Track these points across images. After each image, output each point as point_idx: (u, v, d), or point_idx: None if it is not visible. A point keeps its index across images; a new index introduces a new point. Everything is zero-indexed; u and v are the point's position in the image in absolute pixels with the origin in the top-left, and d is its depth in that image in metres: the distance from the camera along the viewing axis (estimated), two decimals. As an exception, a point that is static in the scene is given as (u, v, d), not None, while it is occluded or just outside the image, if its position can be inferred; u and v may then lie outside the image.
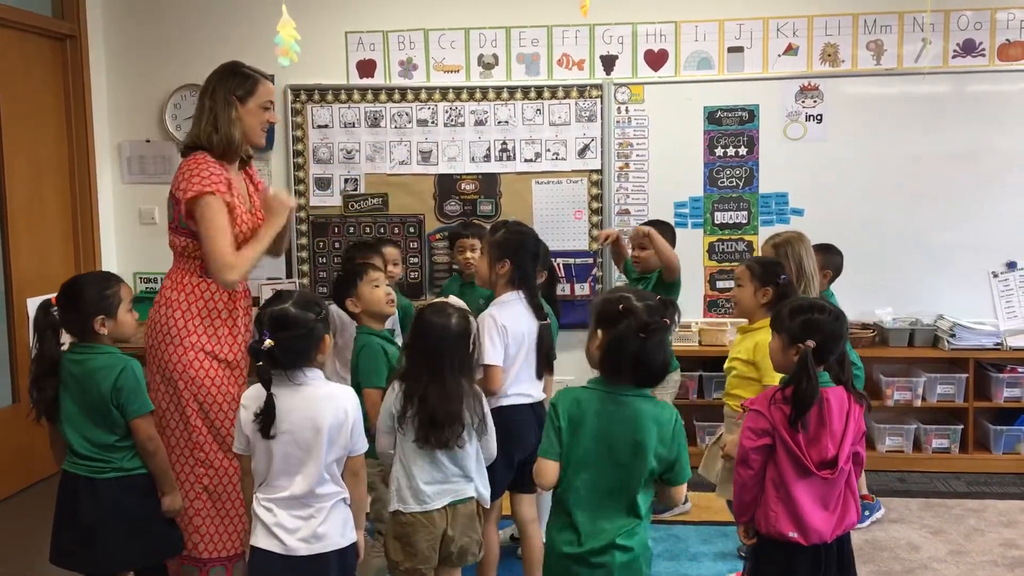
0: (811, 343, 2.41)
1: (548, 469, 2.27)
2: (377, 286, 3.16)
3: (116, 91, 5.19)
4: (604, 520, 2.22)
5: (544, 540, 2.45)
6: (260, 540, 2.31)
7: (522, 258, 3.12)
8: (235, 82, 2.97)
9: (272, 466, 2.31)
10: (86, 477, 2.63)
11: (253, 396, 2.33)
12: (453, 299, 2.78)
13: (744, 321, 3.33)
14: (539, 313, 3.13)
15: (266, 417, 2.26)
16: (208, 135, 2.91)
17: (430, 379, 2.54)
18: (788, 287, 3.20)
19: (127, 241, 5.28)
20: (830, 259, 4.06)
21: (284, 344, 2.27)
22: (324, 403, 2.32)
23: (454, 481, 2.63)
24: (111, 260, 5.19)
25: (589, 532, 2.21)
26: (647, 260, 4.10)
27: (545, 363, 3.18)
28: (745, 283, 3.26)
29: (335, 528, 2.34)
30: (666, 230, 4.15)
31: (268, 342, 2.25)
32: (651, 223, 4.19)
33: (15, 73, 4.53)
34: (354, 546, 2.40)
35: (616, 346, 2.19)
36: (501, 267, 3.11)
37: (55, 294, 2.68)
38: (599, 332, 2.23)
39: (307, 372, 2.34)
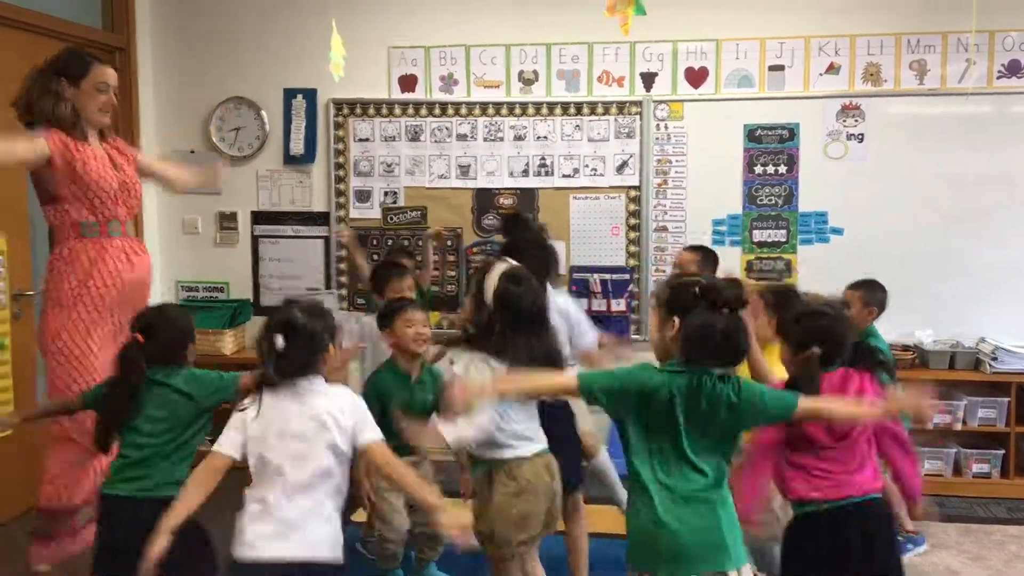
0: (817, 350, 2.46)
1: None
2: (410, 326, 3.29)
3: (163, 102, 5.29)
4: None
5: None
6: (244, 551, 2.27)
7: None
8: (67, 64, 3.19)
9: (275, 463, 2.30)
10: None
11: (251, 402, 2.38)
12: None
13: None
14: None
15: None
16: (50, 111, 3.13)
17: (527, 334, 2.63)
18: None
19: (170, 250, 5.37)
20: (873, 295, 3.90)
21: (288, 350, 2.33)
22: (321, 400, 2.35)
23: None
24: (154, 269, 5.24)
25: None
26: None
27: None
28: (758, 312, 3.26)
29: (326, 537, 2.30)
30: (709, 258, 4.10)
31: (281, 341, 2.31)
32: (692, 248, 4.17)
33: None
34: (343, 568, 2.35)
35: (700, 328, 2.15)
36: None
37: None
38: (675, 320, 2.19)
39: (309, 379, 2.38)
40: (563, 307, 3.26)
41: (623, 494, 3.74)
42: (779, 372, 3.01)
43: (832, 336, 2.52)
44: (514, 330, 2.64)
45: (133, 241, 3.35)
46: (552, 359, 2.70)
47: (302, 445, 2.30)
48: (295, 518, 2.27)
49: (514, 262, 2.92)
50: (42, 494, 3.17)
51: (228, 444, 2.35)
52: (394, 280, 3.92)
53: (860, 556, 2.44)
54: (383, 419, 3.24)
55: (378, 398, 3.21)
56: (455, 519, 2.24)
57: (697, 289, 2.16)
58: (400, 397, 3.24)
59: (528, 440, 2.72)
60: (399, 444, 2.95)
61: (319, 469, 2.30)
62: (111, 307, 3.21)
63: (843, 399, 2.42)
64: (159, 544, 2.24)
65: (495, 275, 2.69)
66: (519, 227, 3.54)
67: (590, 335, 3.35)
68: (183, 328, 2.74)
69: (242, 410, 2.37)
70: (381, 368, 3.42)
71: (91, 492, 3.10)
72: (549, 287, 3.20)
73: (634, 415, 2.19)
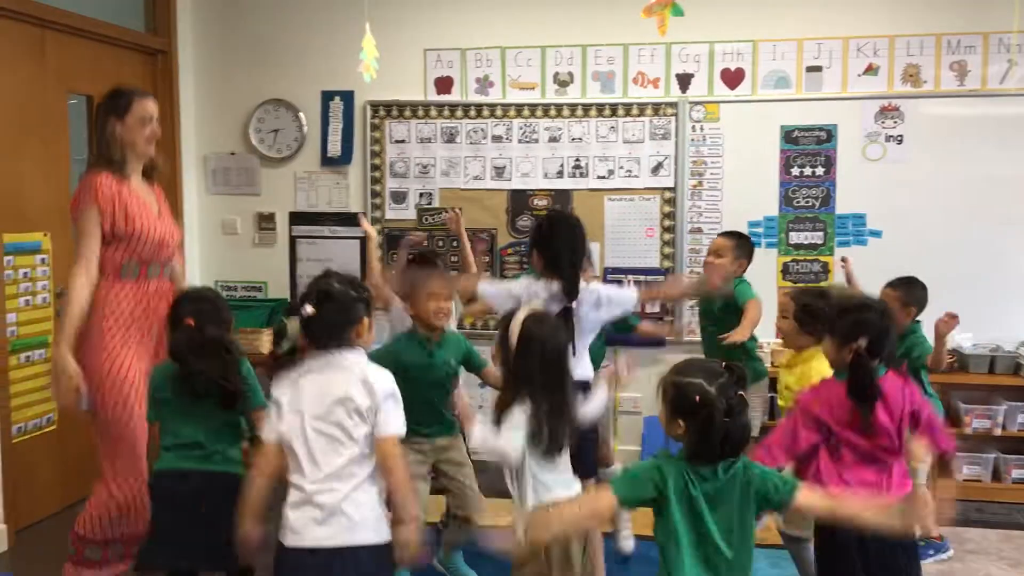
0: (863, 342, 2.50)
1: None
2: (434, 299, 3.26)
3: (203, 105, 5.38)
4: None
5: None
6: (288, 538, 2.33)
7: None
8: (113, 102, 3.27)
9: (308, 446, 2.34)
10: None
11: (285, 385, 2.42)
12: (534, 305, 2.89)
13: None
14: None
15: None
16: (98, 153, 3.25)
17: (553, 390, 2.60)
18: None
19: (209, 250, 5.46)
20: (913, 293, 3.86)
21: (320, 317, 2.38)
22: (352, 378, 2.37)
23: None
24: (194, 268, 5.37)
25: None
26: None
27: None
28: (791, 315, 3.25)
29: (368, 520, 2.34)
30: (744, 244, 4.10)
31: (309, 309, 2.37)
32: (727, 234, 4.17)
33: (109, 86, 4.70)
34: (390, 546, 2.37)
35: (703, 435, 2.12)
36: None
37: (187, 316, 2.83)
38: (680, 422, 2.17)
39: (343, 351, 2.40)
40: (601, 295, 3.27)
41: None
42: (817, 372, 3.00)
43: (877, 329, 2.56)
44: (531, 378, 2.61)
45: (168, 284, 3.37)
46: (564, 409, 2.65)
47: (335, 430, 2.34)
48: (333, 503, 2.30)
49: (538, 308, 2.91)
50: (78, 521, 3.23)
51: (270, 432, 2.41)
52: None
53: (882, 561, 2.50)
54: (402, 389, 3.34)
55: (396, 365, 3.15)
56: (410, 537, 2.35)
57: (697, 398, 2.11)
58: (420, 364, 3.24)
59: (566, 486, 2.69)
60: (422, 420, 3.14)
61: (353, 454, 2.34)
62: (148, 346, 3.28)
63: (851, 496, 2.34)
64: (247, 531, 2.38)
65: (517, 322, 2.67)
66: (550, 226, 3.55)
67: (628, 296, 3.37)
68: (228, 312, 2.88)
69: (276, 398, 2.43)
70: (400, 336, 3.41)
71: (128, 531, 3.19)
72: (584, 283, 3.24)
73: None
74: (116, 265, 3.19)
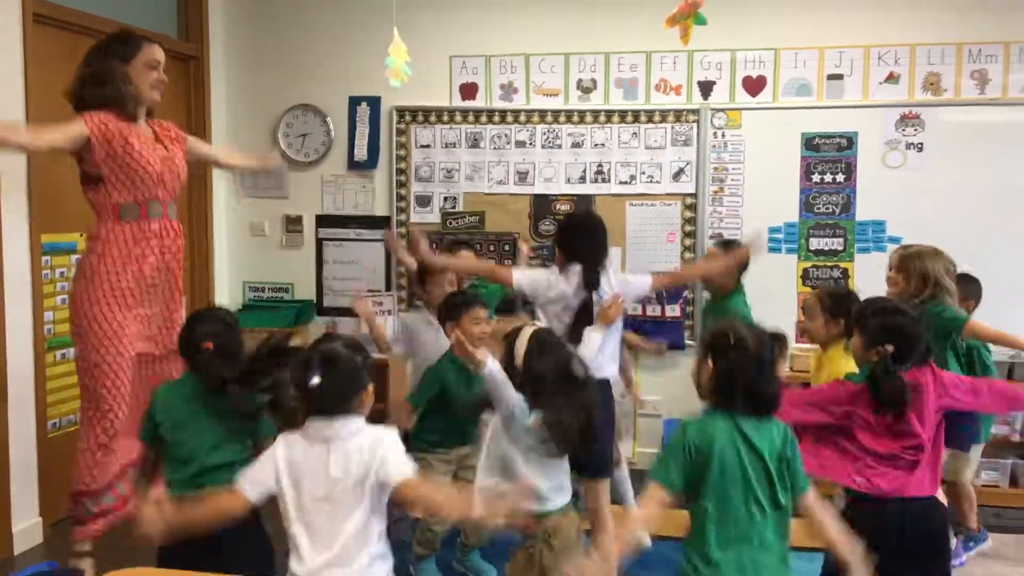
0: (889, 347, 2.52)
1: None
2: (477, 324, 3.39)
3: (233, 109, 5.49)
4: None
5: None
6: None
7: None
8: (119, 44, 3.24)
9: (305, 525, 2.18)
10: None
11: (288, 446, 2.24)
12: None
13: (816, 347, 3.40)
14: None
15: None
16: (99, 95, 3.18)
17: (560, 400, 2.64)
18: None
19: (238, 252, 5.57)
20: (969, 288, 3.92)
21: (328, 384, 2.20)
22: (354, 447, 2.19)
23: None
24: (223, 269, 5.48)
25: None
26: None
27: None
28: (816, 315, 3.30)
29: None
30: (731, 246, 4.14)
31: (316, 379, 2.18)
32: (719, 243, 4.30)
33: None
34: None
35: (727, 376, 2.20)
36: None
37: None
38: (710, 362, 2.25)
39: (347, 419, 2.22)
40: (612, 281, 3.41)
41: (630, 498, 3.90)
42: (838, 370, 3.05)
43: (906, 335, 2.58)
44: (540, 391, 2.67)
45: (171, 223, 3.37)
46: (584, 411, 2.68)
47: (333, 507, 2.17)
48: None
49: (542, 324, 3.04)
50: (73, 482, 3.29)
51: (251, 485, 2.24)
52: (436, 273, 3.90)
53: (905, 554, 2.50)
54: (438, 407, 3.43)
55: (439, 384, 3.39)
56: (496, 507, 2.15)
57: (732, 338, 2.20)
58: (459, 390, 3.37)
59: (562, 492, 2.76)
60: (450, 435, 3.25)
61: (354, 529, 2.17)
62: (143, 292, 3.28)
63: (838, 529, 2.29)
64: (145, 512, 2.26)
65: (522, 340, 2.73)
66: (573, 227, 3.66)
67: (641, 283, 3.53)
68: (237, 337, 2.70)
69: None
70: (443, 359, 3.50)
71: (115, 475, 3.25)
72: (603, 271, 3.38)
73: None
74: (115, 207, 3.17)
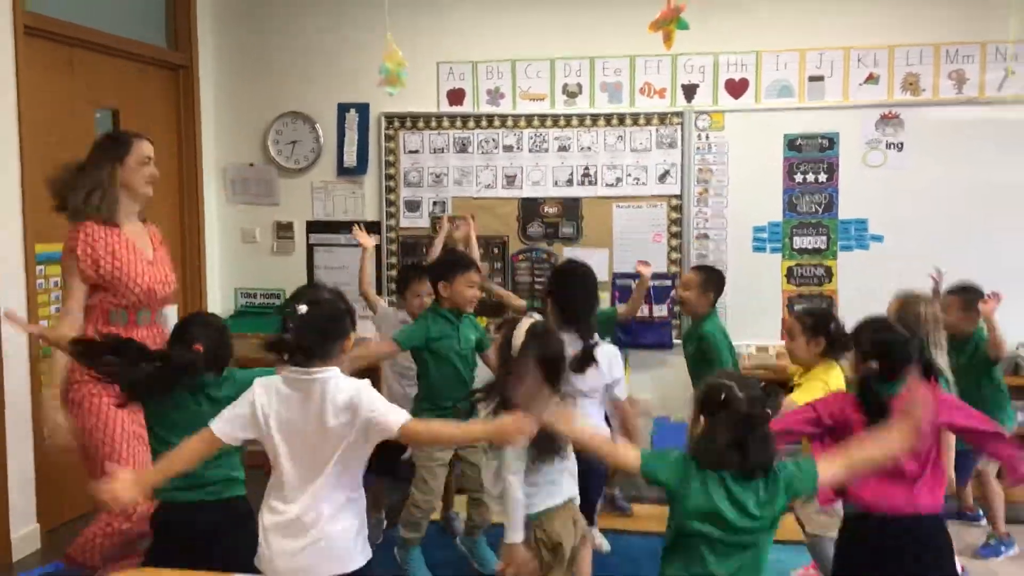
0: (874, 364, 2.57)
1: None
2: (471, 287, 3.58)
3: (223, 118, 5.54)
4: None
5: None
6: (265, 564, 2.25)
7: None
8: (112, 145, 3.24)
9: (280, 464, 2.23)
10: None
11: (267, 388, 2.26)
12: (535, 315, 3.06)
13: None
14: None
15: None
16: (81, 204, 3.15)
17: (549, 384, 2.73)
18: (839, 335, 3.23)
19: (229, 258, 5.62)
20: (973, 299, 3.99)
21: (311, 323, 2.21)
22: (331, 397, 2.20)
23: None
24: (214, 275, 5.53)
25: None
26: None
27: None
28: (797, 335, 3.36)
29: (345, 544, 2.24)
30: (712, 278, 4.21)
31: (303, 307, 2.21)
32: (696, 268, 4.40)
33: (132, 101, 4.90)
34: (369, 565, 2.29)
35: (717, 434, 2.16)
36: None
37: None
38: (702, 419, 2.22)
39: (323, 370, 2.23)
40: (611, 355, 3.32)
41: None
42: (819, 386, 3.14)
43: (892, 354, 2.60)
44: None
45: (158, 328, 3.31)
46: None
47: (311, 453, 2.22)
48: (310, 524, 2.21)
49: (538, 316, 3.11)
50: (74, 544, 3.24)
51: (222, 424, 2.26)
52: (414, 282, 4.05)
53: (906, 569, 2.53)
54: (426, 358, 3.59)
55: (426, 337, 3.56)
56: (505, 428, 2.22)
57: (722, 396, 2.17)
58: (447, 336, 3.57)
59: (558, 488, 2.84)
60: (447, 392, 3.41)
61: (329, 475, 2.21)
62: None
63: (862, 445, 2.32)
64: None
65: (520, 331, 2.82)
66: (566, 277, 3.71)
67: (622, 390, 3.37)
68: (228, 343, 2.73)
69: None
70: (426, 313, 3.67)
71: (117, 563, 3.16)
72: (598, 338, 3.35)
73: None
74: (104, 311, 3.15)
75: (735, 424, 2.14)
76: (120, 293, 3.16)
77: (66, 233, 3.18)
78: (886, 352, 2.61)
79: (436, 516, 3.86)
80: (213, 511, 2.63)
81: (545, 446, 2.67)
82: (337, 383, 2.22)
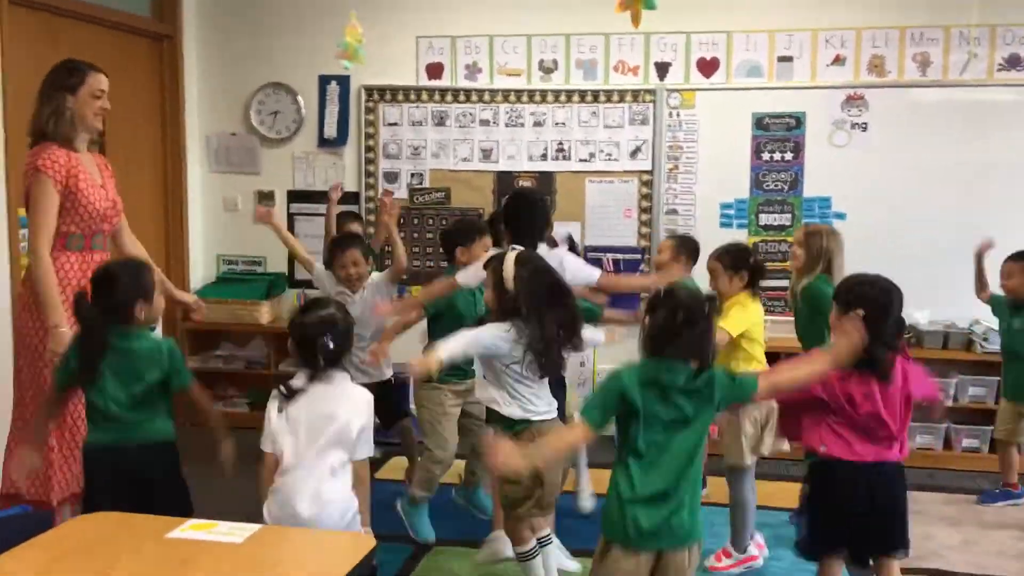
0: (860, 311, 2.68)
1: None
2: (487, 250, 3.68)
3: (206, 88, 5.65)
4: None
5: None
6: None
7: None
8: (66, 76, 3.29)
9: (294, 448, 2.61)
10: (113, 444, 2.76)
11: (279, 397, 2.68)
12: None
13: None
14: None
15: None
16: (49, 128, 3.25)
17: (551, 305, 2.88)
18: (759, 266, 3.59)
19: (212, 225, 5.75)
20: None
21: (334, 343, 2.65)
22: (342, 400, 2.65)
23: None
24: (197, 242, 5.67)
25: None
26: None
27: None
28: (720, 274, 3.54)
29: (335, 514, 2.58)
30: (686, 244, 4.20)
31: (331, 344, 2.64)
32: (671, 236, 4.38)
33: (116, 70, 4.88)
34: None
35: (658, 327, 2.36)
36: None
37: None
38: (647, 319, 2.43)
39: (337, 372, 2.69)
40: (565, 262, 3.47)
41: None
42: (741, 309, 3.49)
43: (877, 304, 2.71)
44: (539, 305, 2.86)
45: (110, 256, 3.45)
46: (575, 322, 2.94)
47: (312, 441, 2.60)
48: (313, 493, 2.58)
49: (520, 247, 3.20)
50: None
51: (266, 441, 2.67)
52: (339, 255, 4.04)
53: (865, 508, 2.71)
54: (439, 323, 3.68)
55: (448, 301, 3.65)
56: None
57: (662, 293, 2.42)
58: (467, 304, 3.68)
59: (549, 406, 3.00)
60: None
61: (328, 454, 2.60)
62: None
63: (793, 363, 2.67)
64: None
65: (509, 263, 2.91)
66: (518, 202, 3.88)
67: (588, 272, 3.60)
68: (134, 284, 2.82)
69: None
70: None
71: (67, 489, 3.27)
72: (544, 247, 3.46)
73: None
74: (63, 236, 3.25)
75: (674, 311, 2.35)
76: (78, 215, 3.26)
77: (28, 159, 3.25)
78: (866, 303, 2.71)
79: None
80: (127, 453, 2.74)
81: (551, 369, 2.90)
82: (349, 391, 2.72)
